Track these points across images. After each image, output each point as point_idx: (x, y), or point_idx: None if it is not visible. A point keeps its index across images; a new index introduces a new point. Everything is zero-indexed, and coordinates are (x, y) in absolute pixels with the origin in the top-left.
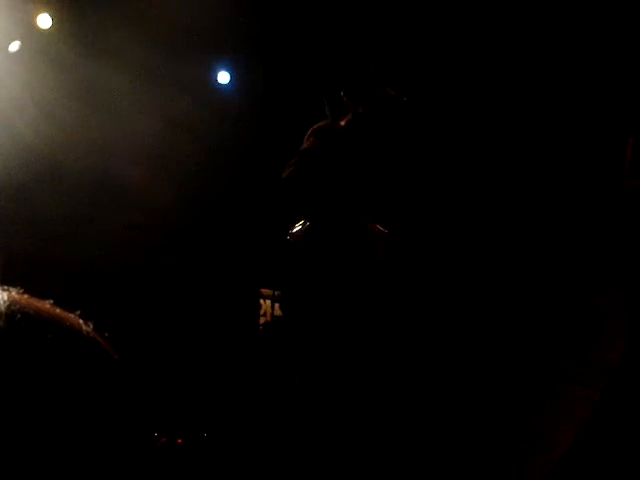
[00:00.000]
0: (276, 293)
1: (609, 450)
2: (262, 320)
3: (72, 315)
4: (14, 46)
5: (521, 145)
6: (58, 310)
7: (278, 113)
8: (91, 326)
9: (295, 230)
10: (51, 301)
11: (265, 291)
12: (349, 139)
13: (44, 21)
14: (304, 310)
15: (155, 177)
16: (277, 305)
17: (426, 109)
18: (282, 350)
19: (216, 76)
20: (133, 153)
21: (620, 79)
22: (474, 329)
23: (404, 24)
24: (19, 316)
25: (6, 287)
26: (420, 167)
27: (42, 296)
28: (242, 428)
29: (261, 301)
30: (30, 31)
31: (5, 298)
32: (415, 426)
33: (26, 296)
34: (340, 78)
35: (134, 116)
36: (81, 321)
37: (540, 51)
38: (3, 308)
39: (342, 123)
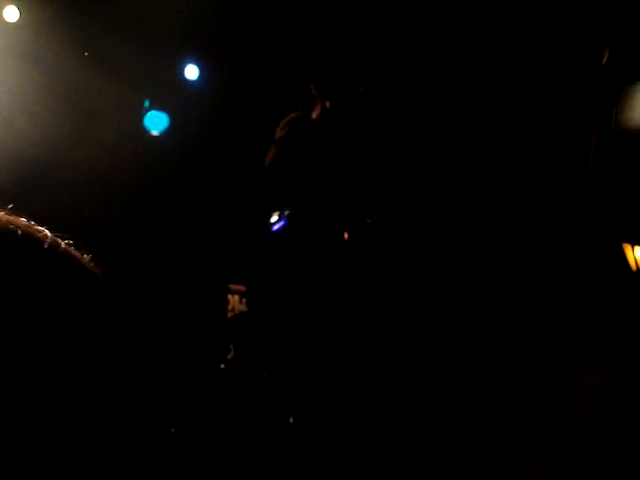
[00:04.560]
0: (243, 288)
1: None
2: (230, 315)
3: (45, 230)
4: None
5: (487, 141)
6: (31, 223)
7: (248, 108)
8: (69, 242)
9: (273, 221)
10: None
11: (233, 287)
12: (320, 132)
13: (11, 14)
14: (283, 301)
15: (122, 171)
16: (244, 300)
17: (395, 106)
18: (251, 345)
19: (184, 71)
20: (102, 147)
21: (582, 82)
22: (451, 321)
23: (377, 22)
24: None
25: None
26: (388, 160)
27: None
28: (209, 423)
29: (229, 296)
30: None
31: None
32: (397, 418)
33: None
34: (311, 72)
35: (103, 110)
36: (52, 236)
37: (507, 51)
38: None
39: (313, 116)
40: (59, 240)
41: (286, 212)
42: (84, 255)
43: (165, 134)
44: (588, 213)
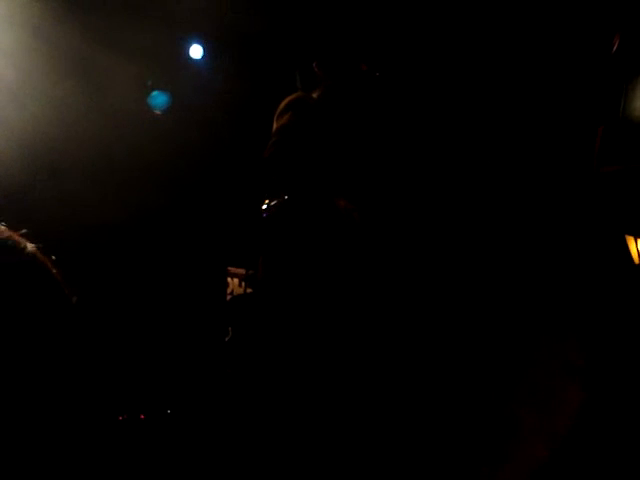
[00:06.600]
0: (249, 272)
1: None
2: (229, 298)
3: (14, 234)
4: None
5: (492, 129)
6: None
7: (251, 88)
8: (32, 245)
9: (268, 206)
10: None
11: (233, 269)
12: (322, 112)
13: None
14: (281, 286)
15: (123, 152)
16: (244, 283)
17: (398, 85)
18: (250, 329)
19: (189, 51)
20: (105, 126)
21: (590, 71)
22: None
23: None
24: None
25: None
26: (391, 142)
27: None
28: (205, 405)
29: (228, 279)
30: None
31: None
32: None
33: None
34: (312, 50)
35: (108, 87)
36: (20, 239)
37: (512, 41)
38: None
39: (314, 95)
40: (25, 242)
41: (274, 201)
42: (48, 258)
43: (168, 113)
44: (594, 204)
